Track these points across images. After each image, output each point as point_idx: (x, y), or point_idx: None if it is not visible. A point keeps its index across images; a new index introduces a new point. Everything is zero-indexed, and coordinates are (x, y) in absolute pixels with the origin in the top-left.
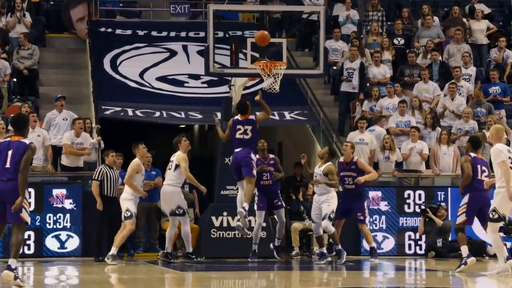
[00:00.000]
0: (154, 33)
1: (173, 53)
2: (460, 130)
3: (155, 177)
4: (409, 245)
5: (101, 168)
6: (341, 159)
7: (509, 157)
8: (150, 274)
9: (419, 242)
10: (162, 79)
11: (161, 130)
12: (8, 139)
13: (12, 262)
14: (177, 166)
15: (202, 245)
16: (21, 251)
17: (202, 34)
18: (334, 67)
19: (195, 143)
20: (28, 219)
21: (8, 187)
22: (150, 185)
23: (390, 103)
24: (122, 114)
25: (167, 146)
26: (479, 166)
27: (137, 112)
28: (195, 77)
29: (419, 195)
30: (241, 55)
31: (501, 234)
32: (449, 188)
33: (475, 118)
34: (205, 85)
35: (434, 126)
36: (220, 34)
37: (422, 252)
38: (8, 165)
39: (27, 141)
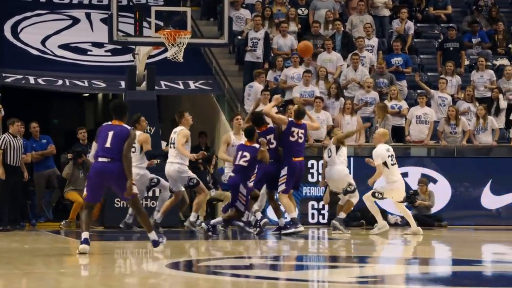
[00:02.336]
0: (56, 0)
1: (76, 21)
2: (362, 100)
3: (47, 145)
4: (312, 214)
5: (4, 137)
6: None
7: (389, 155)
8: (52, 244)
9: (322, 212)
10: (64, 47)
11: (64, 98)
12: (110, 122)
13: (152, 235)
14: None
15: (106, 215)
16: None
17: (105, 1)
18: (239, 37)
19: (99, 112)
20: (136, 190)
21: (112, 168)
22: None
23: (295, 72)
24: (23, 82)
25: (70, 114)
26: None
27: (39, 80)
28: (99, 45)
29: (322, 164)
30: (145, 24)
31: (406, 203)
32: (351, 158)
33: (377, 88)
34: (109, 53)
35: (338, 96)
36: (124, 2)
37: (325, 221)
38: (108, 145)
39: (128, 127)
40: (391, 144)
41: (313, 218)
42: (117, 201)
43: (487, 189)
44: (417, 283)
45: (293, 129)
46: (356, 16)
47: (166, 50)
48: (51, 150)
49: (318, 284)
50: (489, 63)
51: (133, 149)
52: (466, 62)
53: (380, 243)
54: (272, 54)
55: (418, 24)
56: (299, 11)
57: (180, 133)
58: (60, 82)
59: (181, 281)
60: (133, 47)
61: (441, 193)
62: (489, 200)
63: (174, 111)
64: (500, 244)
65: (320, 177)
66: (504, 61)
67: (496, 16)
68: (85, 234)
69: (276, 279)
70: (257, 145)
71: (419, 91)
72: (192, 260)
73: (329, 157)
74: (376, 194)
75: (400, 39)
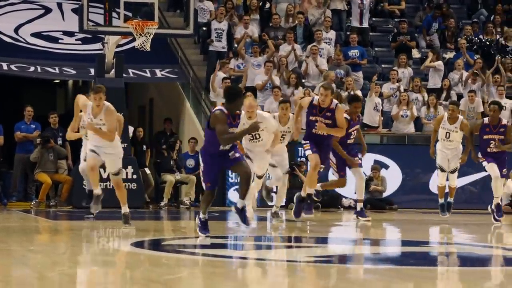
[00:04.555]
0: None
1: (48, 10)
2: None
3: (34, 131)
4: (272, 197)
5: None
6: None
7: None
8: (22, 223)
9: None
10: (37, 35)
11: (36, 84)
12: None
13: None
14: None
15: (74, 196)
16: None
17: None
18: (204, 28)
19: (69, 98)
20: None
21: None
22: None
23: (255, 61)
24: None
25: (42, 100)
26: None
27: (12, 67)
28: (70, 34)
29: None
30: (114, 14)
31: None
32: None
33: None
34: (79, 42)
35: (297, 86)
36: None
37: (283, 204)
38: None
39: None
40: None
41: (272, 201)
42: (85, 182)
43: (435, 175)
44: (368, 263)
45: None
46: (315, 10)
47: (134, 40)
48: (35, 134)
49: (276, 263)
50: (443, 55)
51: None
52: (418, 55)
53: (333, 225)
54: (235, 44)
55: (373, 19)
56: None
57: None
58: (32, 68)
59: (144, 259)
60: (103, 36)
61: (392, 178)
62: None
63: (141, 98)
64: (446, 226)
65: None
66: (451, 54)
67: (447, 13)
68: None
69: (231, 257)
70: None
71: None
72: (157, 239)
73: None
74: None
75: (356, 32)
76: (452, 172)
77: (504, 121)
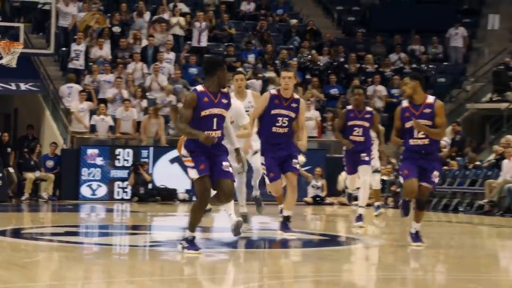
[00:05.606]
0: None
1: None
2: (162, 102)
3: None
4: (118, 192)
5: None
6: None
7: None
8: None
9: (126, 190)
10: None
11: None
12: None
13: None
14: None
15: None
16: None
17: None
18: (64, 48)
19: None
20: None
21: None
22: None
23: (106, 78)
24: None
25: None
26: None
27: None
28: None
29: (128, 152)
30: None
31: None
32: (151, 148)
33: (174, 92)
34: None
35: (142, 98)
36: None
37: (128, 197)
38: None
39: None
40: None
41: (118, 195)
42: None
43: None
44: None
45: None
46: (159, 34)
47: (1, 58)
48: None
49: (119, 247)
50: (260, 75)
51: None
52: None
53: (167, 215)
54: (90, 63)
55: (208, 42)
56: (114, 29)
57: None
58: None
59: (6, 245)
60: None
61: None
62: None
63: (7, 108)
64: (264, 215)
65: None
66: (272, 74)
67: (267, 39)
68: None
69: (82, 243)
70: None
71: None
72: (17, 228)
73: None
74: None
75: (195, 54)
76: None
77: (369, 108)
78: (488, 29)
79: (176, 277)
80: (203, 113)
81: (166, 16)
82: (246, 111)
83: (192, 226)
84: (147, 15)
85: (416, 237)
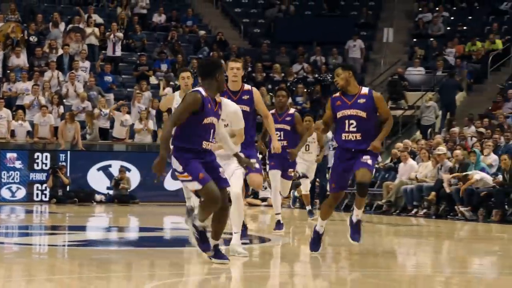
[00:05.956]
0: None
1: None
2: (78, 108)
3: None
4: (37, 194)
5: None
6: None
7: None
8: None
9: (45, 192)
10: None
11: None
12: None
13: None
14: None
15: None
16: None
17: None
18: None
19: None
20: None
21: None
22: None
23: (24, 86)
24: None
25: None
26: None
27: None
28: None
29: (46, 156)
30: None
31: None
32: (69, 152)
33: (89, 99)
34: None
35: (59, 104)
36: None
37: (47, 199)
38: None
39: None
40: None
41: (37, 197)
42: None
43: (168, 175)
44: (115, 245)
45: None
46: (74, 43)
47: None
48: None
49: (38, 247)
50: (172, 83)
51: None
52: (155, 81)
53: (84, 216)
54: (8, 71)
55: (122, 52)
56: (31, 38)
57: None
58: None
59: None
60: None
61: (135, 178)
62: (170, 183)
63: None
64: (177, 216)
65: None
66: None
67: (178, 49)
68: None
69: (2, 243)
70: None
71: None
72: None
73: None
74: None
75: (110, 63)
76: None
77: (292, 110)
78: (384, 42)
79: (93, 275)
80: (205, 121)
81: (81, 26)
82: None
83: (215, 235)
84: (62, 26)
85: (355, 229)
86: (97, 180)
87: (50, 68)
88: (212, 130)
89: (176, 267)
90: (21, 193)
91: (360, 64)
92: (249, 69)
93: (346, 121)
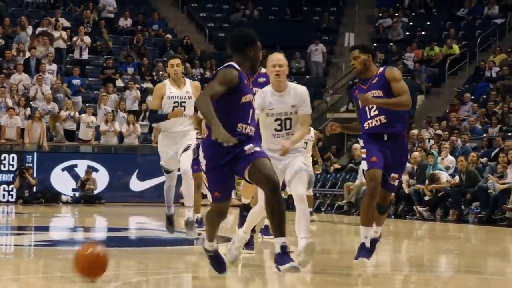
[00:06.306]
0: None
1: None
2: (44, 110)
3: None
4: (4, 194)
5: None
6: None
7: None
8: None
9: (11, 193)
10: None
11: None
12: None
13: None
14: None
15: None
16: None
17: None
18: None
19: None
20: None
21: None
22: None
23: None
24: None
25: None
26: None
27: None
28: None
29: (13, 157)
30: None
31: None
32: (35, 153)
33: (55, 101)
34: None
35: (26, 106)
36: None
37: (13, 200)
38: None
39: None
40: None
41: (4, 197)
42: None
43: (134, 177)
44: (80, 245)
45: None
46: (41, 47)
47: None
48: None
49: (5, 247)
50: (138, 85)
51: None
52: (122, 84)
53: (50, 216)
54: None
55: (89, 55)
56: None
57: None
58: None
59: None
60: None
61: (101, 179)
62: (136, 184)
63: None
64: (142, 216)
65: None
66: (149, 85)
67: (143, 53)
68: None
69: None
70: None
71: (87, 104)
72: None
73: None
74: None
75: (77, 66)
76: None
77: None
78: (345, 46)
79: (58, 275)
80: (243, 99)
81: (49, 30)
82: (183, 102)
83: (276, 229)
84: (29, 29)
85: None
86: (62, 181)
87: (17, 70)
88: (251, 110)
89: (141, 267)
90: None
91: (322, 68)
92: (214, 72)
93: (367, 108)
